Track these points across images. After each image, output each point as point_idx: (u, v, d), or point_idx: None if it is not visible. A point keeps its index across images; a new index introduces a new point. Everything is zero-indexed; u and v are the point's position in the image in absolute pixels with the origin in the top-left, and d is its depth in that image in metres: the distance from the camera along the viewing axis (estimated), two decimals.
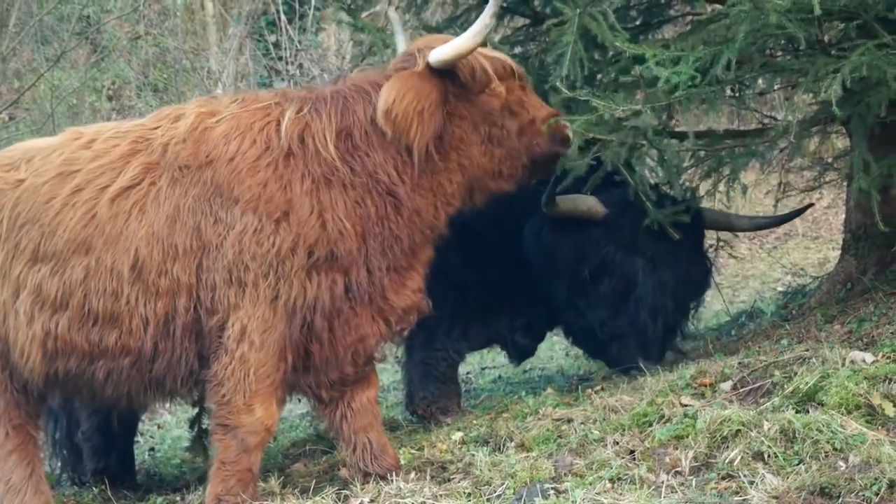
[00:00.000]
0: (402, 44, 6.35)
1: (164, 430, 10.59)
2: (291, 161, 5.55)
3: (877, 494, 4.55)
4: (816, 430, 5.05)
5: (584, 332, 7.77)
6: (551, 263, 7.44)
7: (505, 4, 7.48)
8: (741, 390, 5.89)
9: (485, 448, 5.93)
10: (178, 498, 6.65)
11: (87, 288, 5.66)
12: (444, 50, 5.51)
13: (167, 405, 6.31)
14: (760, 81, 7.40)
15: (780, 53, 7.10)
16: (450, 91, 5.61)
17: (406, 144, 5.51)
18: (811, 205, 7.62)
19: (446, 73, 5.58)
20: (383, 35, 7.60)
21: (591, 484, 5.06)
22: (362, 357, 5.82)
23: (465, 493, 5.28)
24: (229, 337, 5.52)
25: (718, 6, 7.03)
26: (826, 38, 6.33)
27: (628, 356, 7.33)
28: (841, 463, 4.86)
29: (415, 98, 5.44)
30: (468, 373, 11.13)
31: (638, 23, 7.64)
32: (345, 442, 6.02)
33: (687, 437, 5.35)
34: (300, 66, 21.14)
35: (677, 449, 5.31)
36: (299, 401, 9.22)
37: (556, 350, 11.51)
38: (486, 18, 5.43)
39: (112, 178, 5.74)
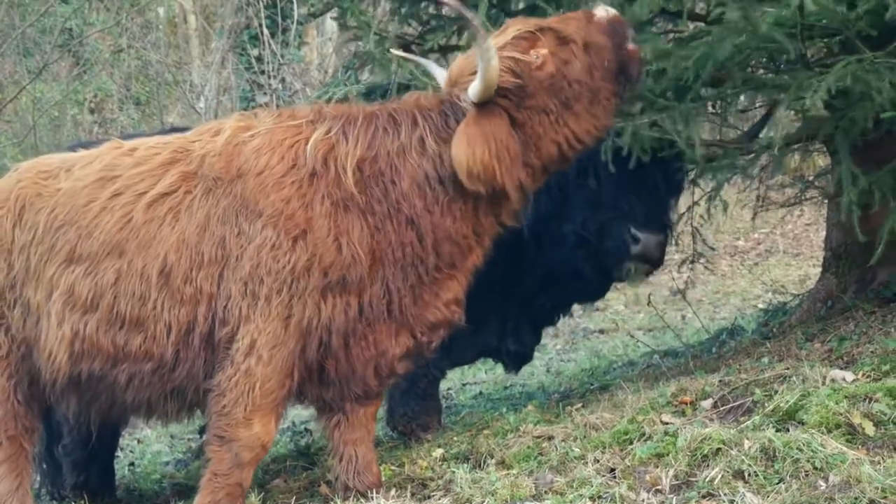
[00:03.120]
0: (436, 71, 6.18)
1: (144, 444, 10.55)
2: (315, 181, 5.51)
3: None
4: (797, 448, 5.05)
5: (580, 253, 7.39)
6: None
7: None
8: (722, 408, 5.89)
9: (465, 465, 5.92)
10: None
11: (118, 290, 5.67)
12: (475, 89, 5.35)
13: (188, 419, 6.26)
14: (742, 98, 7.41)
15: (761, 70, 7.12)
16: (510, 106, 5.45)
17: (499, 191, 5.43)
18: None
19: (496, 94, 5.39)
20: (368, 18, 7.55)
21: (571, 502, 5.05)
22: (385, 371, 5.76)
23: None
24: (237, 350, 5.49)
25: (700, 23, 7.07)
26: (809, 54, 6.34)
27: (623, 239, 7.09)
28: (821, 482, 4.85)
29: (484, 146, 5.30)
30: (449, 389, 11.13)
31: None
32: (332, 450, 6.01)
33: (667, 455, 5.34)
34: (283, 80, 21.16)
35: (658, 467, 5.30)
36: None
37: (536, 367, 11.52)
38: (482, 43, 5.23)
39: (151, 185, 5.75)
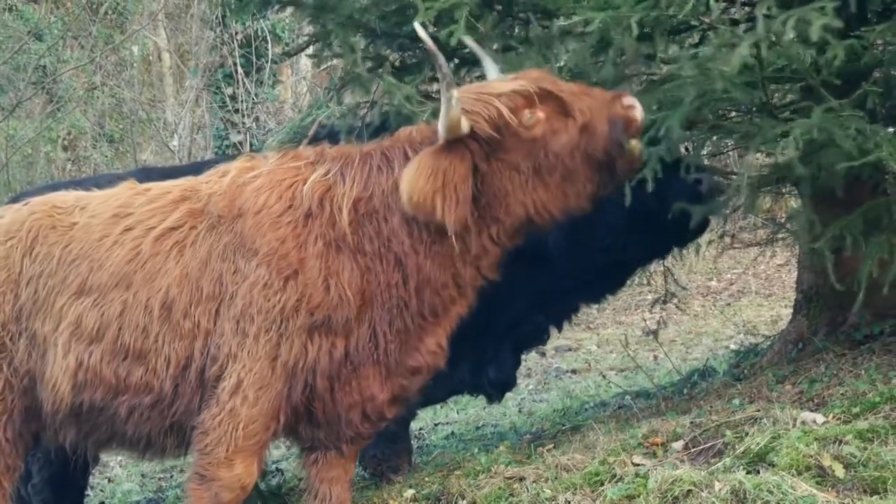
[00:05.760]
0: (491, 69, 6.03)
1: (114, 483, 10.49)
2: (310, 222, 5.52)
3: None
4: (767, 491, 5.05)
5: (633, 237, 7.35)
6: None
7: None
8: (693, 450, 5.89)
9: None
10: None
11: (122, 322, 5.66)
12: (440, 125, 5.34)
13: (186, 455, 6.20)
14: (714, 139, 7.44)
15: (732, 115, 7.16)
16: (478, 153, 5.41)
17: (438, 226, 5.38)
18: None
19: (469, 136, 5.37)
20: (352, 42, 7.54)
21: None
22: (374, 415, 5.74)
23: None
24: (224, 388, 5.45)
25: (673, 66, 7.10)
26: (773, 101, 6.37)
27: (689, 188, 7.05)
28: None
29: (430, 178, 5.26)
30: (421, 429, 11.10)
31: (594, 80, 7.66)
32: (308, 487, 6.00)
33: (638, 496, 5.34)
34: (256, 118, 21.22)
35: None
36: None
37: (509, 407, 11.51)
38: (444, 93, 5.22)
39: (160, 221, 5.78)
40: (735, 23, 6.40)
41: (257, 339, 5.41)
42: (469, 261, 5.60)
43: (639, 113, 5.48)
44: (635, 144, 5.52)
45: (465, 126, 5.32)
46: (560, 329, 8.33)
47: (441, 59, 5.26)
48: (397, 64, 7.87)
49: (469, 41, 6.19)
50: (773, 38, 5.63)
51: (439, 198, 5.26)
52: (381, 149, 5.71)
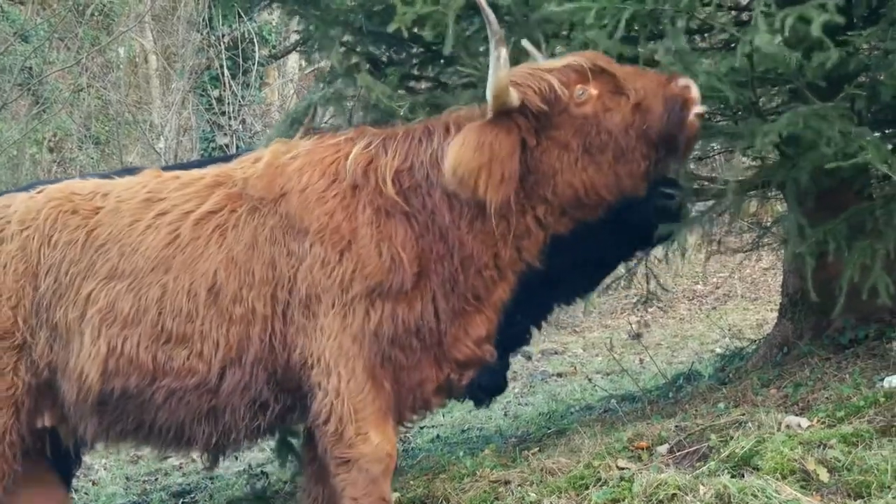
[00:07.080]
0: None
1: (98, 486, 10.45)
2: (357, 192, 5.52)
3: None
4: (752, 494, 5.05)
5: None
6: None
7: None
8: (678, 454, 5.89)
9: None
10: None
11: (163, 306, 5.61)
12: (488, 94, 5.29)
13: (209, 451, 6.10)
14: (700, 141, 7.44)
15: (717, 117, 7.17)
16: (527, 128, 5.37)
17: (479, 201, 5.33)
18: None
19: (518, 111, 5.35)
20: (334, 34, 7.53)
21: None
22: (420, 402, 5.72)
23: None
24: (317, 373, 5.43)
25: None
26: (760, 103, 6.38)
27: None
28: None
29: (475, 153, 5.22)
30: (406, 432, 11.07)
31: None
32: (304, 484, 6.03)
33: (623, 500, 5.34)
34: (243, 121, 21.20)
35: None
36: (236, 458, 9.18)
37: (494, 410, 11.49)
38: (493, 51, 5.16)
39: (197, 205, 5.76)
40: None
41: (326, 316, 5.39)
42: (510, 242, 5.55)
43: (695, 91, 5.41)
44: (694, 119, 5.41)
45: (514, 98, 5.29)
46: (539, 329, 8.32)
47: (492, 15, 5.21)
48: (384, 59, 7.86)
49: (528, 45, 6.16)
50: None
51: (484, 173, 5.23)
52: (423, 125, 5.73)
